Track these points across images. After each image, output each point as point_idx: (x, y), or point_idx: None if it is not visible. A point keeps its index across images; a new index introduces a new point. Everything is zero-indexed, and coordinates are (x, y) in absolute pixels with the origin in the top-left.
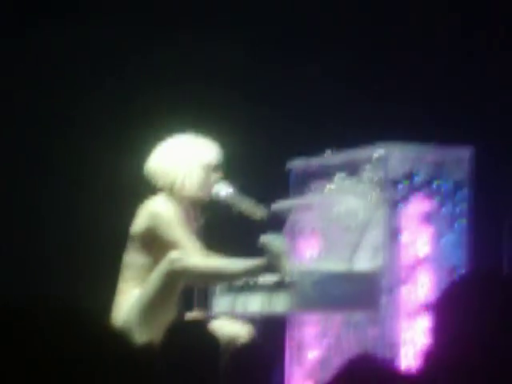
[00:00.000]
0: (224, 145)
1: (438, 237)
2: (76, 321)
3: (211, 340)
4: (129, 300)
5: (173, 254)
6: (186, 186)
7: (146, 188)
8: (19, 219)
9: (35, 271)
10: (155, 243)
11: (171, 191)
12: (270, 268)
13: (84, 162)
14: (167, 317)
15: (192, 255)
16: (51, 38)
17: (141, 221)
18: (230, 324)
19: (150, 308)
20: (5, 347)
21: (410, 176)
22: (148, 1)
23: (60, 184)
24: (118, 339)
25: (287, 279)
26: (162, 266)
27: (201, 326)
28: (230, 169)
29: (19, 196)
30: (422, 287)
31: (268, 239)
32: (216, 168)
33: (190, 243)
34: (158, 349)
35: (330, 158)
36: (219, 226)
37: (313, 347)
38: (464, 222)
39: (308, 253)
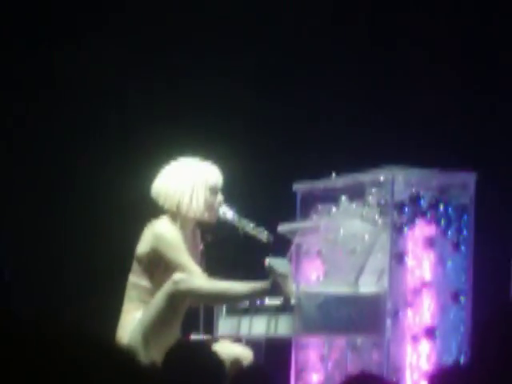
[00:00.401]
0: (231, 167)
1: (442, 260)
2: (83, 338)
3: (216, 361)
4: (133, 320)
5: (177, 276)
6: (192, 207)
7: (152, 209)
8: (30, 234)
9: (43, 286)
10: (159, 264)
11: (177, 212)
12: (275, 290)
13: (94, 184)
14: (171, 338)
15: (196, 277)
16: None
17: (145, 242)
18: (231, 346)
19: (154, 329)
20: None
21: (414, 200)
22: (148, 29)
23: (72, 203)
24: (127, 357)
25: (292, 302)
26: (167, 287)
27: (205, 347)
28: (236, 190)
29: (33, 211)
30: (426, 311)
31: (273, 261)
32: (219, 190)
33: (193, 266)
34: (161, 368)
35: (335, 180)
36: (223, 248)
37: (317, 370)
38: (468, 246)
39: (313, 275)
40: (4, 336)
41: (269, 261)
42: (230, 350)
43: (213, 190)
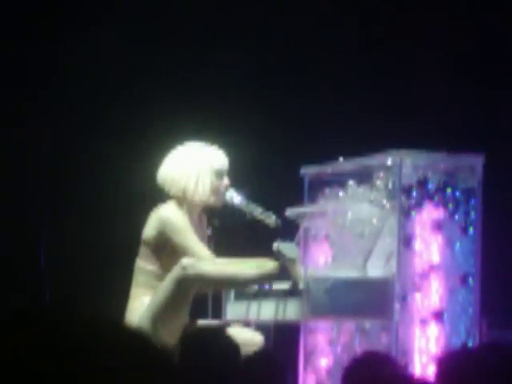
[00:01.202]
0: (238, 151)
1: (450, 244)
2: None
3: (232, 346)
4: (141, 306)
5: (185, 260)
6: (198, 191)
7: (159, 195)
8: (37, 220)
9: (52, 272)
10: (166, 248)
11: (183, 198)
12: (283, 274)
13: (102, 168)
14: (179, 323)
15: (204, 261)
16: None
17: (152, 226)
18: (241, 331)
19: (163, 314)
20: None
21: (422, 183)
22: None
23: (80, 188)
24: (143, 339)
25: (300, 286)
26: (175, 272)
27: (220, 332)
28: (243, 175)
29: (39, 197)
30: (434, 294)
31: (281, 246)
32: (225, 174)
33: (201, 249)
34: (178, 354)
35: (343, 164)
36: (231, 233)
37: (326, 354)
38: (476, 229)
39: (321, 259)
40: (19, 323)
41: (277, 245)
42: (241, 334)
43: (218, 174)
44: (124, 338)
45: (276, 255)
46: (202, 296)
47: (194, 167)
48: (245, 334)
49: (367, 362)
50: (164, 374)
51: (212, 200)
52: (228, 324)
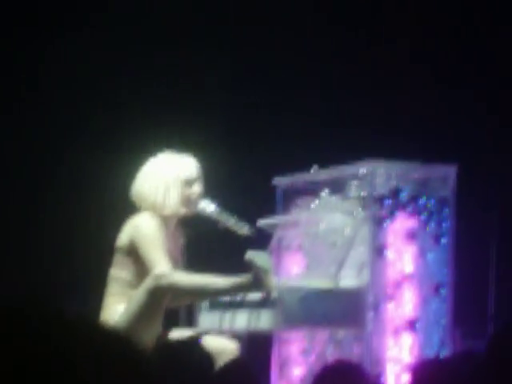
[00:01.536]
0: (210, 161)
1: (423, 253)
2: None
3: (205, 356)
4: (114, 315)
5: (158, 271)
6: (166, 204)
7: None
8: (18, 226)
9: (29, 278)
10: (138, 256)
11: (154, 211)
12: (256, 285)
13: (80, 181)
14: (152, 333)
15: (177, 271)
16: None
17: (125, 233)
18: (216, 340)
19: (136, 324)
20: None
21: (395, 193)
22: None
23: (59, 196)
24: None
25: (273, 296)
26: (148, 282)
27: (194, 343)
28: (216, 185)
29: (20, 202)
30: (407, 303)
31: (253, 255)
32: (196, 182)
33: (162, 263)
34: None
35: (316, 174)
36: (204, 243)
37: (299, 364)
38: (449, 238)
39: (294, 269)
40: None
41: (249, 254)
42: (215, 343)
43: (187, 183)
44: (100, 338)
45: (248, 265)
46: (175, 308)
47: (161, 180)
48: (219, 342)
49: (337, 370)
50: (140, 374)
51: (183, 211)
52: (202, 334)
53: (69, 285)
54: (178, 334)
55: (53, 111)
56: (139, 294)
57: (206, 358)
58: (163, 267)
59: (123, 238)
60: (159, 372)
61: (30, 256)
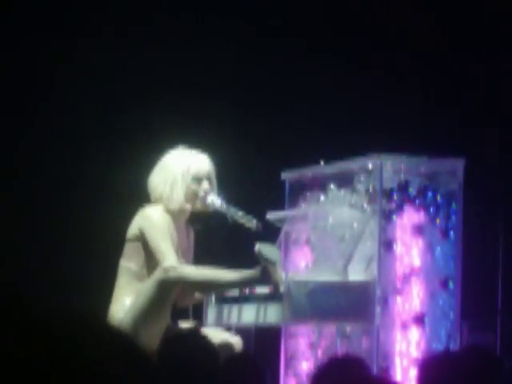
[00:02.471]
0: (220, 156)
1: (431, 247)
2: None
3: (209, 349)
4: (122, 308)
5: (167, 263)
6: (172, 199)
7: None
8: (19, 221)
9: (33, 273)
10: (146, 246)
11: (162, 205)
12: (264, 278)
13: (96, 173)
14: (160, 326)
15: (185, 264)
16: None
17: (135, 224)
18: (220, 334)
19: (144, 317)
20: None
21: (403, 187)
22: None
23: (69, 191)
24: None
25: (281, 290)
26: (157, 275)
27: (198, 336)
28: (225, 179)
29: (23, 199)
30: (415, 298)
31: (263, 247)
32: (205, 178)
33: (169, 255)
34: (155, 358)
35: (324, 168)
36: (212, 237)
37: (307, 358)
38: (456, 232)
39: (302, 263)
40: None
41: (258, 247)
42: (219, 336)
43: (196, 179)
44: (105, 336)
45: (257, 257)
46: (184, 307)
47: (169, 174)
48: (224, 336)
49: (335, 366)
50: (142, 374)
51: (188, 207)
52: (204, 326)
53: (77, 277)
54: (186, 328)
55: (66, 104)
56: (148, 286)
57: (209, 351)
58: (171, 260)
59: (133, 228)
60: (162, 365)
61: (32, 248)
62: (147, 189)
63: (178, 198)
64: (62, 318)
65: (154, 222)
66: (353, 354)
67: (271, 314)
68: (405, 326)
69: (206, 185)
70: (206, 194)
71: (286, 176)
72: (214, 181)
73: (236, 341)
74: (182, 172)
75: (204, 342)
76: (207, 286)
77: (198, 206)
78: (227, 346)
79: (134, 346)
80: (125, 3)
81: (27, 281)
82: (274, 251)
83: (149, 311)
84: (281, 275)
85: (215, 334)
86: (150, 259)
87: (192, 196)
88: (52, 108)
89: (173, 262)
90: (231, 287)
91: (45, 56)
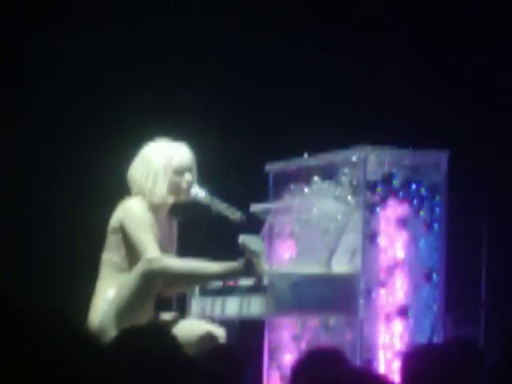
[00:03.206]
0: (203, 147)
1: (415, 240)
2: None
3: (167, 340)
4: (105, 300)
5: (150, 255)
6: (155, 192)
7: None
8: (11, 217)
9: (14, 268)
10: (126, 238)
11: (144, 197)
12: (248, 270)
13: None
14: (144, 317)
15: (169, 256)
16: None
17: (115, 216)
18: (202, 324)
19: (128, 308)
20: None
21: (387, 179)
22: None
23: (56, 186)
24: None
25: (264, 282)
26: (140, 266)
27: (156, 327)
28: (208, 171)
29: (15, 196)
30: (399, 290)
31: (247, 239)
32: (187, 170)
33: (151, 248)
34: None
35: (308, 160)
36: (196, 229)
37: (290, 350)
38: (440, 225)
39: (286, 255)
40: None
41: (242, 238)
42: (201, 327)
43: (178, 171)
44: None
45: (241, 249)
46: (167, 298)
47: (151, 168)
48: (206, 326)
49: (314, 359)
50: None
51: (171, 199)
52: (185, 318)
53: (58, 271)
54: (169, 319)
55: (45, 94)
56: (131, 278)
57: (173, 348)
58: (154, 252)
59: (113, 220)
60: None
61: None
62: (128, 181)
63: (160, 191)
64: (37, 319)
65: (134, 215)
66: (332, 347)
67: (255, 306)
68: (388, 319)
69: (188, 176)
70: (189, 185)
71: (270, 168)
72: (195, 172)
73: (220, 332)
74: (163, 165)
75: (161, 333)
76: (191, 278)
77: (181, 197)
78: (211, 338)
79: (98, 342)
80: None
81: (7, 273)
82: (258, 243)
83: (132, 303)
84: (265, 267)
85: (198, 325)
86: (132, 251)
87: (175, 188)
88: (31, 100)
89: (155, 253)
90: (215, 279)
91: (17, 45)
